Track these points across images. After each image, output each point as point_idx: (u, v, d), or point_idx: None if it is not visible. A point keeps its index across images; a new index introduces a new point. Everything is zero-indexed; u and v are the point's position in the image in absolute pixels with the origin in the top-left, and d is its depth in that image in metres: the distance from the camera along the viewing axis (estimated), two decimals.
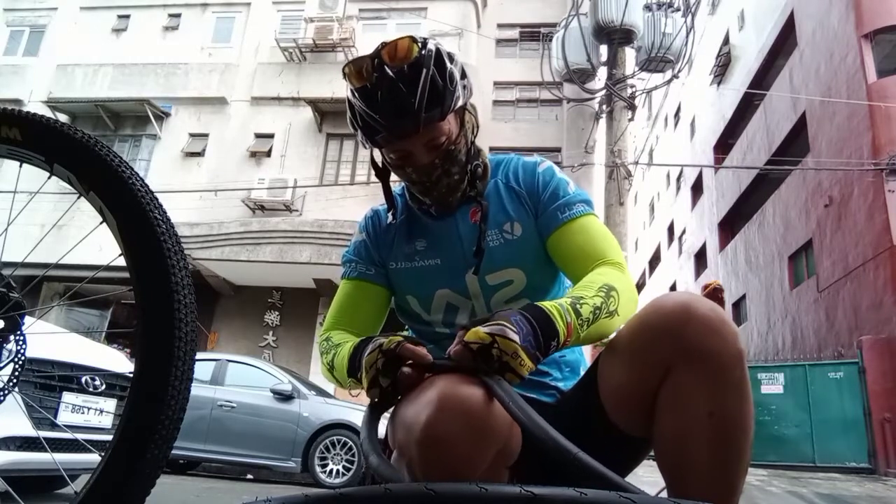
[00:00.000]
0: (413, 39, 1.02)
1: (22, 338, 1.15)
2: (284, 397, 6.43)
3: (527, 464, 0.90)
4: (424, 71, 0.98)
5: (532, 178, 1.16)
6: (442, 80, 1.00)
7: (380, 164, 1.13)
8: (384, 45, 1.02)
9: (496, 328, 0.81)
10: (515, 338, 0.80)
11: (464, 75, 1.06)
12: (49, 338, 2.45)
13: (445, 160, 1.06)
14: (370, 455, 0.85)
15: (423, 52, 1.00)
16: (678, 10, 10.11)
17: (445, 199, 1.11)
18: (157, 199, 1.02)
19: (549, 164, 1.19)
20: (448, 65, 1.02)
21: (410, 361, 0.88)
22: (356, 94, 1.02)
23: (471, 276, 1.13)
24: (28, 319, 1.17)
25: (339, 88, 10.81)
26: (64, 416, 2.54)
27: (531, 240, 1.13)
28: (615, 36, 9.94)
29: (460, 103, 1.04)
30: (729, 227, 17.63)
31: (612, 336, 0.97)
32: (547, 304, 0.88)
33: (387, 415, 0.97)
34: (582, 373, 1.12)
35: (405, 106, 0.98)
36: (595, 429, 0.92)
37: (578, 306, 0.90)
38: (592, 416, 0.94)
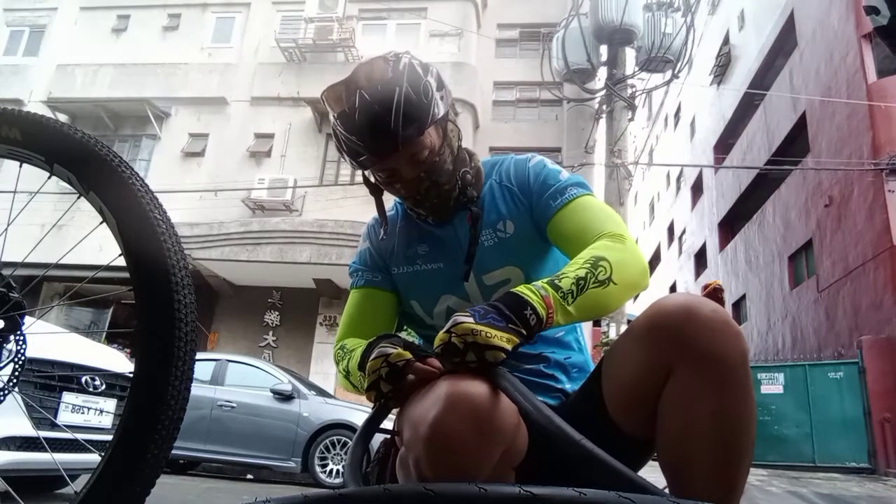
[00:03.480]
0: (385, 59, 1.03)
1: (22, 338, 1.15)
2: (284, 397, 6.43)
3: (533, 464, 0.91)
4: (398, 90, 0.99)
5: (523, 173, 1.17)
6: (417, 95, 1.00)
7: (372, 181, 1.14)
8: (358, 67, 1.03)
9: (450, 322, 0.83)
10: (466, 318, 0.82)
11: (441, 86, 1.06)
12: (49, 338, 2.45)
13: (431, 172, 1.07)
14: (349, 485, 0.88)
15: (395, 70, 1.01)
16: (678, 10, 10.12)
17: (437, 209, 1.12)
18: (157, 199, 1.02)
19: (540, 158, 1.19)
20: (423, 78, 1.03)
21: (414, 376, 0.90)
22: (336, 119, 1.03)
23: (469, 281, 1.13)
24: (28, 319, 1.17)
25: None
26: (64, 416, 2.54)
27: (525, 236, 1.13)
28: (615, 36, 9.94)
29: (439, 115, 1.05)
30: (729, 227, 17.62)
31: (613, 337, 0.97)
32: (517, 287, 0.89)
33: (390, 418, 0.98)
34: None
35: (382, 127, 0.99)
36: (598, 430, 0.92)
37: (557, 281, 0.89)
38: (595, 417, 0.94)
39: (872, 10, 0.83)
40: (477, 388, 0.80)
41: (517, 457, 0.88)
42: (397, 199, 1.23)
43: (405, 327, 1.27)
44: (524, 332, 0.84)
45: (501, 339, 0.81)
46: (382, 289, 1.20)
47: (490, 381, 0.81)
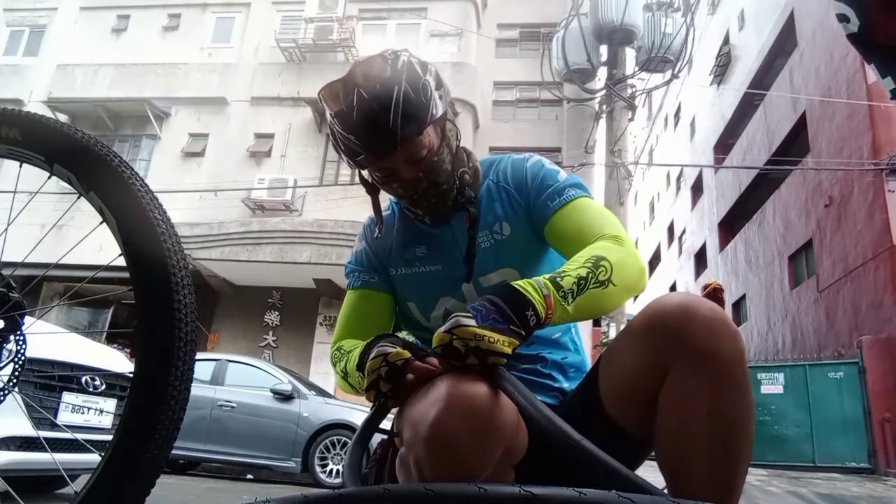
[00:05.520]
0: (383, 57, 1.02)
1: (22, 338, 1.15)
2: (284, 397, 6.43)
3: (533, 464, 0.91)
4: (396, 88, 0.98)
5: (520, 173, 1.16)
6: (416, 94, 0.99)
7: (369, 181, 1.13)
8: (356, 65, 1.02)
9: (451, 322, 0.82)
10: (469, 322, 0.81)
11: (439, 85, 1.05)
12: (49, 338, 2.45)
13: (430, 172, 1.06)
14: (348, 485, 0.88)
15: (394, 68, 1.00)
16: (678, 10, 10.11)
17: (436, 209, 1.11)
18: (157, 199, 1.02)
19: (538, 158, 1.18)
20: (422, 77, 1.01)
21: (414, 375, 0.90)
22: (334, 118, 1.02)
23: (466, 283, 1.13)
24: (28, 319, 1.17)
25: None
26: (64, 416, 2.54)
27: (521, 238, 1.13)
28: (615, 36, 9.94)
29: (438, 114, 1.03)
30: (729, 227, 17.62)
31: (612, 337, 0.97)
32: (519, 282, 0.87)
33: (389, 417, 0.98)
34: None
35: (381, 125, 0.97)
36: (596, 428, 0.92)
37: (559, 279, 0.88)
38: (593, 416, 0.95)
39: (843, 19, 0.83)
40: (477, 388, 0.80)
41: (517, 455, 0.88)
42: (393, 199, 1.22)
43: (402, 329, 1.27)
44: (523, 333, 0.83)
45: (503, 343, 0.81)
46: (379, 290, 1.19)
47: (490, 381, 0.81)
